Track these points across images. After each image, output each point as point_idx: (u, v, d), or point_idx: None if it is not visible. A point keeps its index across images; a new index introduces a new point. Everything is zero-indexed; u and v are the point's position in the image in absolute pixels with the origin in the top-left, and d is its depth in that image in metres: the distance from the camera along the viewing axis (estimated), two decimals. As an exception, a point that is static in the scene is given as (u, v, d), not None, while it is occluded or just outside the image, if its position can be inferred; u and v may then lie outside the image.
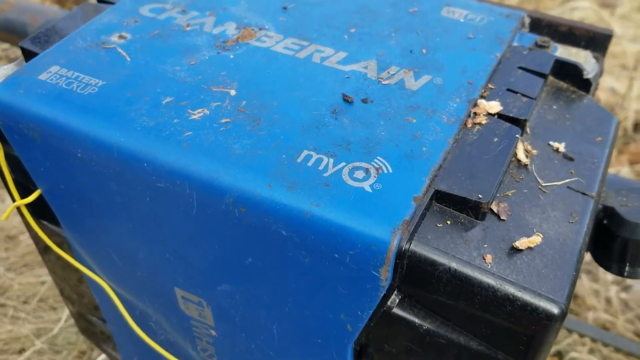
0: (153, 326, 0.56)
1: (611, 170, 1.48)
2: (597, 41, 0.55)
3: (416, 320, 0.39)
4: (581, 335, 1.11)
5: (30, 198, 0.50)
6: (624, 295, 1.26)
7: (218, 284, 0.45)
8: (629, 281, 1.30)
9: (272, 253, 0.39)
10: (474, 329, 0.38)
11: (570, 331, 1.12)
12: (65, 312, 1.25)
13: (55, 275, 0.68)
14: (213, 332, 0.51)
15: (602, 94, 1.64)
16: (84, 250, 0.53)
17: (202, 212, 0.40)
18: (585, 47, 0.56)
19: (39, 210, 0.53)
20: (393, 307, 0.39)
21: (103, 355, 1.11)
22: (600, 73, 0.56)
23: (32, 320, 1.25)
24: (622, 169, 1.50)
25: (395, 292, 0.39)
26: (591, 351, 1.13)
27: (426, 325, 0.39)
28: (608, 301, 1.25)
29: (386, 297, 0.38)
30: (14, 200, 0.52)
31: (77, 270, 0.62)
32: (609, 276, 1.29)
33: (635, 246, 0.45)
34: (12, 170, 0.50)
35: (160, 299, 0.52)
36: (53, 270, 0.67)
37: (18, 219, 1.47)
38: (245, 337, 0.49)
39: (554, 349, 1.12)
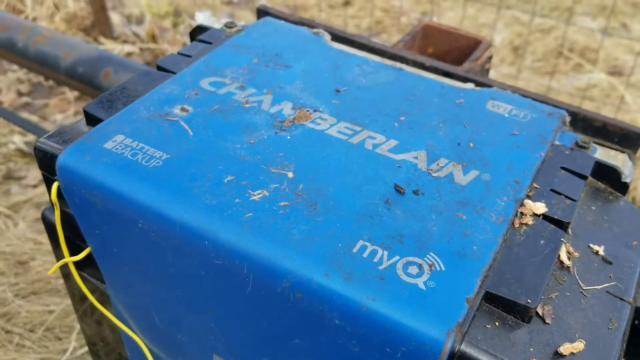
0: (183, 386, 0.57)
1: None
2: (630, 139, 0.58)
3: None
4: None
5: (80, 256, 0.51)
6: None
7: (259, 359, 0.46)
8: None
9: (322, 338, 0.41)
10: None
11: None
12: (71, 344, 1.25)
13: (85, 324, 0.68)
14: (245, 401, 0.52)
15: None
16: (125, 308, 0.54)
17: (256, 292, 0.42)
18: (618, 143, 0.59)
19: (82, 263, 0.55)
20: (436, 401, 0.40)
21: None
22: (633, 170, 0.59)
23: (37, 350, 1.25)
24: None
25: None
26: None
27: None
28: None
29: (432, 391, 0.39)
30: (61, 255, 0.54)
31: (113, 327, 0.63)
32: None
33: (666, 349, 0.47)
34: (62, 226, 0.52)
35: (195, 362, 0.53)
36: (84, 319, 0.68)
37: (29, 244, 1.48)
38: (278, 410, 0.49)
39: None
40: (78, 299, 0.65)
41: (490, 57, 0.72)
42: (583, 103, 1.95)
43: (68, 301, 1.33)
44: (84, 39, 2.25)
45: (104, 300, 0.57)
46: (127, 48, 2.12)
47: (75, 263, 0.55)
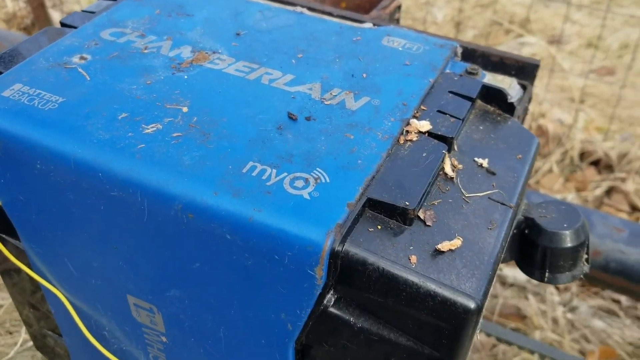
0: (107, 335, 0.58)
1: (558, 197, 1.56)
2: (525, 70, 0.61)
3: (351, 318, 0.42)
4: (531, 352, 1.15)
5: (-11, 208, 0.52)
6: (570, 315, 1.32)
7: (168, 290, 0.48)
8: (575, 302, 1.36)
9: (218, 257, 0.42)
10: (403, 325, 0.42)
11: (520, 348, 1.17)
12: (21, 337, 1.24)
13: (13, 292, 0.69)
14: (164, 339, 0.53)
15: (550, 125, 1.72)
16: (41, 262, 0.55)
17: (152, 219, 0.43)
18: (515, 76, 0.62)
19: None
20: (329, 306, 0.42)
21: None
22: (528, 99, 0.62)
23: (-13, 344, 1.24)
24: (569, 196, 1.57)
25: (331, 292, 0.42)
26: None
27: (360, 323, 0.42)
28: (555, 321, 1.30)
29: (322, 296, 0.41)
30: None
31: (35, 286, 0.64)
32: (556, 297, 1.35)
33: (554, 254, 0.50)
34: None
35: (114, 307, 0.54)
36: (12, 287, 0.68)
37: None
38: (194, 342, 0.51)
39: (505, 367, 1.16)
40: (9, 275, 0.65)
41: (399, 7, 0.74)
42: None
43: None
44: (24, 37, 2.21)
45: (23, 259, 0.57)
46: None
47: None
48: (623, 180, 1.59)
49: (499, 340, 1.14)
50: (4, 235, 0.58)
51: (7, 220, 0.54)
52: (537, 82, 2.01)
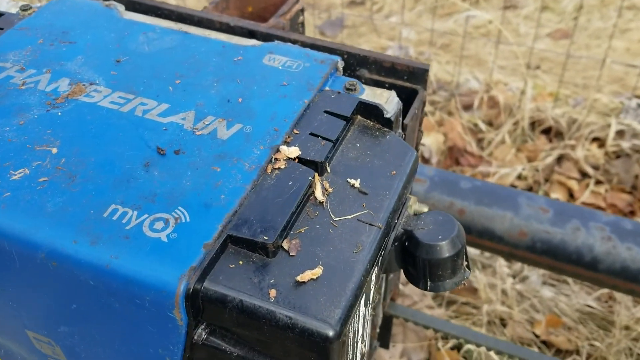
0: (19, 362, 0.59)
1: (509, 169, 1.57)
2: (416, 75, 0.62)
3: (227, 348, 0.44)
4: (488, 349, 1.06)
5: None
6: (519, 286, 1.35)
7: (58, 326, 0.49)
8: (525, 272, 1.39)
9: (89, 300, 0.43)
10: (274, 352, 0.43)
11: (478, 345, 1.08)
12: None
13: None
14: (68, 367, 0.55)
15: (501, 96, 1.73)
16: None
17: (23, 266, 0.44)
18: (407, 80, 0.62)
19: None
20: (201, 340, 0.43)
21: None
22: (423, 104, 0.63)
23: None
24: (520, 167, 1.59)
25: (202, 326, 0.43)
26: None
27: (236, 352, 0.44)
28: (504, 293, 1.33)
29: (190, 332, 0.43)
30: None
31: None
32: (506, 269, 1.38)
33: (432, 264, 0.51)
34: None
35: (17, 340, 0.55)
36: None
37: None
38: (94, 371, 0.53)
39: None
40: None
41: (302, 10, 0.74)
42: (479, 40, 2.00)
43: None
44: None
45: None
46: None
47: None
48: (573, 147, 1.61)
49: (446, 335, 1.07)
50: None
51: None
52: (489, 50, 2.01)
